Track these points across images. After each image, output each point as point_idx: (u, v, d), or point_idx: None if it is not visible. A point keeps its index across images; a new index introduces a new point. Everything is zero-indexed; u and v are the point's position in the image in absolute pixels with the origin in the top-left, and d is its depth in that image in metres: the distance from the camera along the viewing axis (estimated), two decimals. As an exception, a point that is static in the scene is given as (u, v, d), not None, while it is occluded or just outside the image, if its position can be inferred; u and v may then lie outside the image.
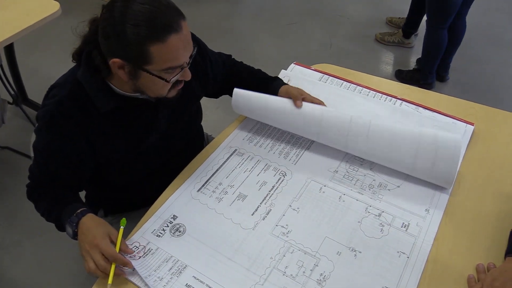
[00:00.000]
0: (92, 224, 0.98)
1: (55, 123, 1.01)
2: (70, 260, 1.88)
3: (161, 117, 1.12)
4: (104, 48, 0.94)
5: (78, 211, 0.99)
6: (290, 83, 1.35)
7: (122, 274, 0.94)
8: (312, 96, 1.25)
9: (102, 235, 0.95)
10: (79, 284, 1.83)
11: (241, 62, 1.41)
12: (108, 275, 0.91)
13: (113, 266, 0.92)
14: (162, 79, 0.94)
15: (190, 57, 0.98)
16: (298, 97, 1.22)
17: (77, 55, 1.03)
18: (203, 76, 1.24)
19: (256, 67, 1.41)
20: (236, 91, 1.25)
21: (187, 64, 0.97)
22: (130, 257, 0.98)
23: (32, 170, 1.10)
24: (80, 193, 1.18)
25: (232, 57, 1.40)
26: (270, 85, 1.31)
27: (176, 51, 0.91)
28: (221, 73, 1.32)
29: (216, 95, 1.39)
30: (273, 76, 1.37)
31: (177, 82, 1.01)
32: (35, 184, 1.11)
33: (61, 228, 1.05)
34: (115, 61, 0.92)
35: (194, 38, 1.23)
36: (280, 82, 1.33)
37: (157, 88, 0.99)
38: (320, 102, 1.24)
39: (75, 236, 0.98)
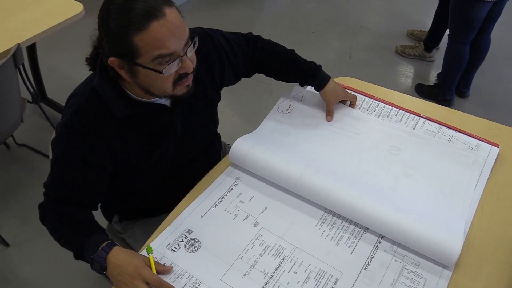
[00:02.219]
0: (125, 256, 0.96)
1: (75, 131, 1.00)
2: (82, 261, 1.87)
3: (177, 122, 1.11)
4: (105, 50, 0.94)
5: (104, 244, 0.97)
6: (304, 100, 1.37)
7: None
8: (351, 97, 1.38)
9: (142, 264, 0.95)
10: (90, 286, 1.83)
11: (269, 41, 1.37)
12: None
13: None
14: (155, 70, 0.92)
15: (187, 45, 0.94)
16: (332, 112, 1.34)
17: (91, 61, 1.03)
18: (220, 80, 1.22)
19: None
20: (237, 143, 1.22)
21: (185, 54, 0.94)
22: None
23: (48, 186, 1.08)
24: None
25: (251, 35, 1.36)
26: (313, 78, 1.32)
27: (161, 38, 0.88)
28: (243, 65, 1.29)
29: (248, 75, 1.37)
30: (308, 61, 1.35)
31: (181, 76, 0.98)
32: (50, 202, 1.08)
33: (79, 257, 1.03)
34: (112, 60, 0.92)
35: (212, 38, 1.21)
36: (325, 77, 1.32)
37: (157, 83, 0.96)
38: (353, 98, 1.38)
39: (103, 271, 0.96)
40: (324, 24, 3.53)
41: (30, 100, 2.13)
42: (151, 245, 1.03)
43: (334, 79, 1.49)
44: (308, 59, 1.35)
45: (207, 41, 1.19)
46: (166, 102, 1.08)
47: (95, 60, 1.02)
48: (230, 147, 1.51)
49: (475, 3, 2.28)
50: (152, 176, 1.18)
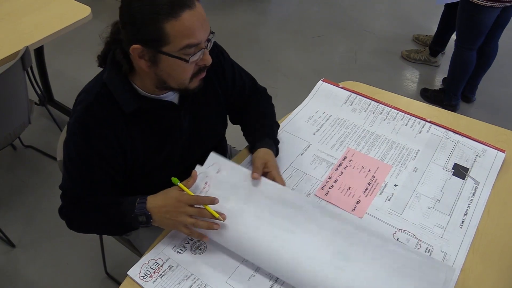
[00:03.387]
0: (160, 197, 1.01)
1: (86, 128, 1.01)
2: (87, 263, 1.89)
3: (184, 120, 1.12)
4: (125, 39, 0.95)
5: (137, 200, 1.01)
6: (220, 173, 1.10)
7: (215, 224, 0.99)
8: (278, 175, 1.10)
9: (179, 193, 1.00)
10: (95, 287, 1.83)
11: (263, 91, 1.36)
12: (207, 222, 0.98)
13: (206, 207, 0.98)
14: (182, 59, 0.93)
15: (208, 40, 0.97)
16: (259, 168, 1.09)
17: (102, 58, 1.05)
18: (227, 84, 1.24)
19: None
20: None
21: (206, 47, 0.97)
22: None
23: (65, 187, 1.09)
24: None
25: (255, 82, 1.35)
26: (257, 141, 1.20)
27: (191, 27, 0.91)
28: (238, 96, 1.28)
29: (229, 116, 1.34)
30: (269, 129, 1.25)
31: (199, 70, 1.00)
32: (72, 203, 1.09)
33: (122, 228, 1.06)
34: (135, 48, 0.92)
35: (218, 47, 1.22)
36: (265, 143, 1.18)
37: (178, 73, 0.98)
38: (282, 183, 1.09)
39: (149, 221, 1.00)
40: (329, 29, 3.54)
41: (37, 102, 2.14)
42: (156, 248, 1.04)
43: (340, 83, 1.50)
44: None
45: (218, 54, 1.21)
46: (174, 99, 1.09)
47: (106, 56, 1.04)
48: (236, 150, 1.53)
49: (483, 9, 2.27)
50: (159, 177, 1.18)
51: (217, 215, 0.98)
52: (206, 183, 1.08)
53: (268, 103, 1.35)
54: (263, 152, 1.16)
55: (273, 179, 1.09)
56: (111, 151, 1.04)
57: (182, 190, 1.01)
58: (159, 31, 0.89)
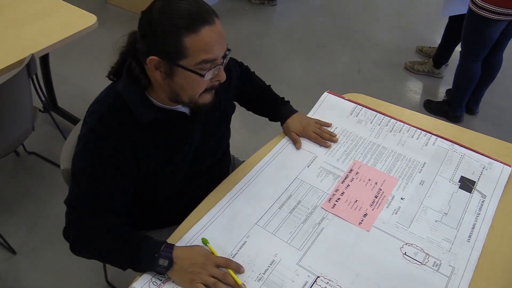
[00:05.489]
0: (190, 250, 1.01)
1: (100, 137, 1.01)
2: (89, 271, 1.87)
3: (195, 130, 1.13)
4: (142, 50, 0.95)
5: (163, 245, 0.99)
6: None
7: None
8: (321, 130, 1.35)
9: (206, 252, 1.00)
10: (95, 296, 1.83)
11: (253, 73, 1.45)
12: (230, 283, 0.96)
13: (230, 271, 0.97)
14: (197, 73, 0.94)
15: (224, 57, 0.98)
16: (298, 139, 1.33)
17: (115, 70, 1.05)
18: (232, 93, 1.26)
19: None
20: None
21: (222, 64, 0.98)
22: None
23: (73, 202, 1.03)
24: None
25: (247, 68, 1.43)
26: (279, 111, 1.39)
27: (209, 43, 0.92)
28: (237, 86, 1.34)
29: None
30: (282, 98, 1.43)
31: (212, 86, 1.01)
32: (80, 219, 1.02)
33: (130, 265, 1.01)
34: (152, 59, 0.93)
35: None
36: (291, 109, 1.40)
37: (192, 87, 0.98)
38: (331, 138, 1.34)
39: (169, 267, 0.96)
40: (333, 39, 3.56)
41: (41, 109, 2.14)
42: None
43: (344, 95, 1.50)
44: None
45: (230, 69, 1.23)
46: (186, 110, 1.10)
47: (121, 68, 1.04)
48: (239, 160, 1.53)
49: (492, 22, 2.28)
50: (167, 185, 1.18)
51: (240, 282, 0.96)
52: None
53: (262, 82, 1.46)
54: (289, 123, 1.36)
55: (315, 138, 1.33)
56: (125, 160, 1.03)
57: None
58: (178, 44, 0.90)
